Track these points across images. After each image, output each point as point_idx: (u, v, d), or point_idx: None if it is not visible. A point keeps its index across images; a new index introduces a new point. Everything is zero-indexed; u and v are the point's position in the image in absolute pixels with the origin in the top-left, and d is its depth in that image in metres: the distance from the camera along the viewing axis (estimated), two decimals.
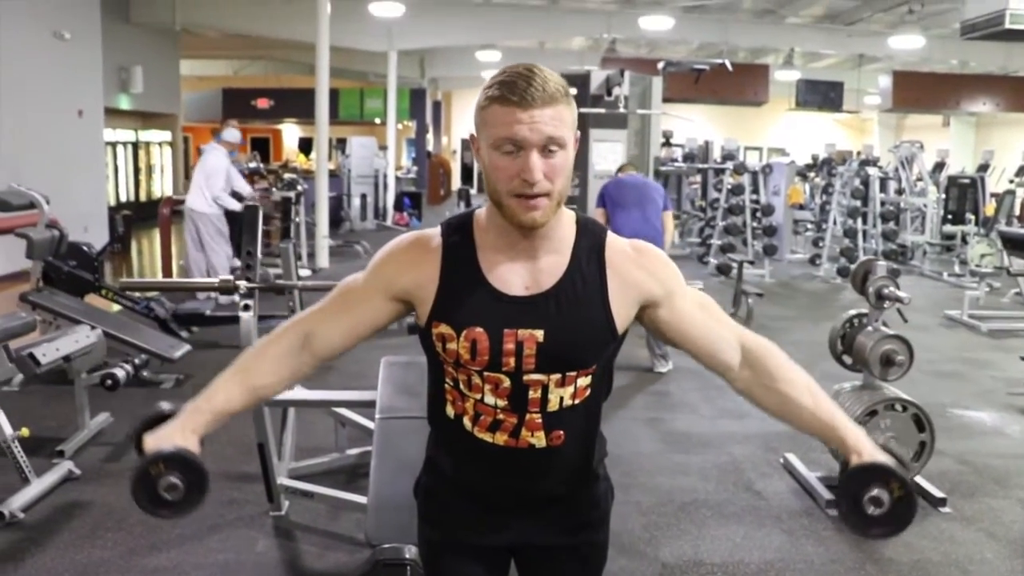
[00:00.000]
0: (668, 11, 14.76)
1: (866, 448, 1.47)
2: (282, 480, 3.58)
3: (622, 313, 1.52)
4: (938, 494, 3.99)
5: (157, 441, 1.46)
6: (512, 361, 1.47)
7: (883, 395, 3.94)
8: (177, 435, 1.47)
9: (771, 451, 4.66)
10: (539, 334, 1.46)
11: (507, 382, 1.49)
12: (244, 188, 8.57)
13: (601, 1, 15.54)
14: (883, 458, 1.45)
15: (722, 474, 4.35)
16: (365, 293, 1.55)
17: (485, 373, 1.49)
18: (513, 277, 1.49)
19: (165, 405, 1.52)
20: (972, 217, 12.02)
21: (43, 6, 10.40)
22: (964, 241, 11.75)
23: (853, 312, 4.29)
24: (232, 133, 8.41)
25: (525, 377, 1.48)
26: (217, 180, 8.09)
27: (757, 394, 1.58)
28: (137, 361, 4.68)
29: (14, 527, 3.49)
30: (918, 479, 4.04)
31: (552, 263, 1.49)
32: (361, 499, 3.31)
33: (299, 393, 3.68)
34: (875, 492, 1.41)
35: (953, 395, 5.88)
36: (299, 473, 3.94)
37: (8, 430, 3.69)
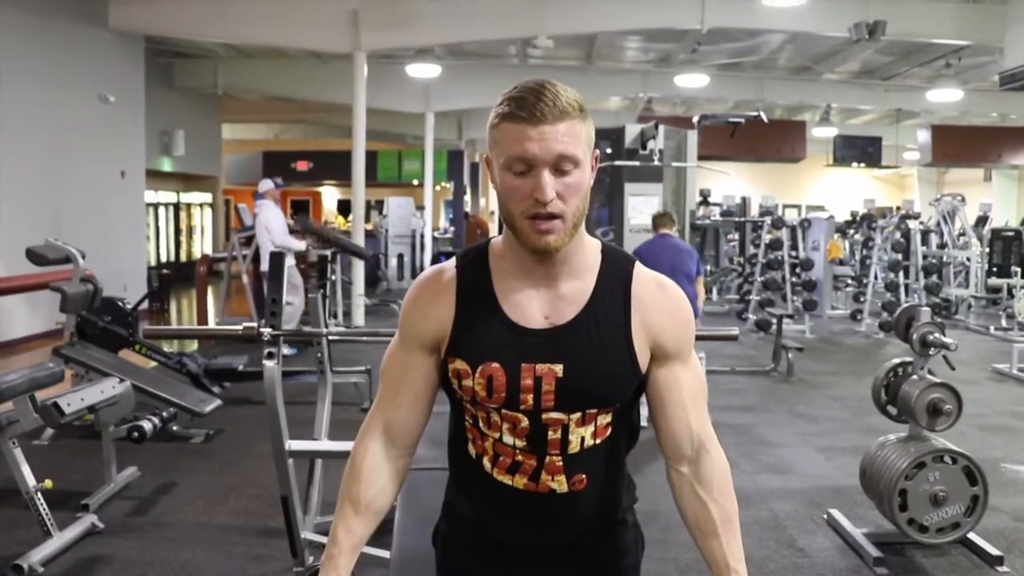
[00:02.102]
0: (703, 69, 14.79)
1: None
2: (306, 534, 3.48)
3: (644, 350, 1.43)
4: (995, 552, 3.78)
5: None
6: (530, 398, 1.39)
7: (931, 446, 3.77)
8: None
9: (814, 507, 4.47)
10: (558, 369, 1.38)
11: (525, 421, 1.40)
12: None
13: (637, 60, 15.64)
14: None
15: (763, 530, 4.18)
16: (406, 358, 1.49)
17: (503, 411, 1.41)
18: (531, 306, 1.41)
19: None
20: (1018, 270, 11.76)
21: (90, 71, 10.68)
22: (1010, 294, 11.49)
23: (897, 360, 4.14)
24: (264, 183, 8.57)
25: (544, 416, 1.40)
26: (277, 228, 8.29)
27: (684, 494, 1.48)
28: (165, 414, 4.64)
29: None
30: (972, 536, 3.84)
31: (574, 291, 1.42)
32: (386, 554, 3.20)
33: (324, 444, 3.61)
34: None
35: (1005, 449, 5.64)
36: (326, 527, 3.83)
37: (31, 481, 3.65)
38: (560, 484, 1.43)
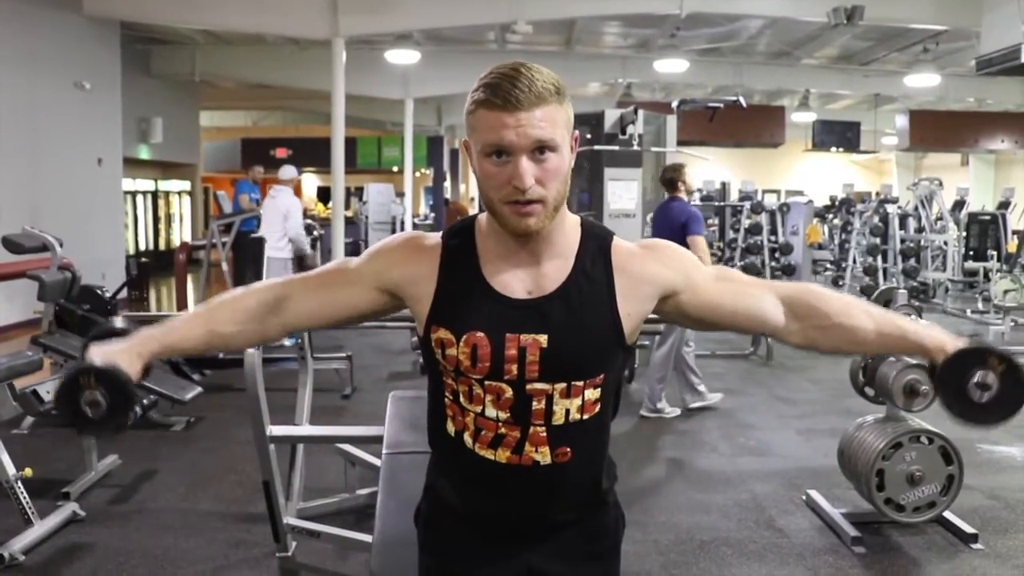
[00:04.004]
0: (682, 54, 14.78)
1: (949, 340, 1.41)
2: (288, 520, 3.49)
3: (633, 314, 1.44)
4: (969, 530, 3.84)
5: (100, 354, 1.40)
6: (514, 368, 1.40)
7: (908, 427, 3.82)
8: (122, 356, 1.42)
9: (793, 488, 4.52)
10: (543, 339, 1.39)
11: (509, 392, 1.41)
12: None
13: (616, 46, 15.63)
14: (972, 342, 1.38)
15: (743, 512, 4.22)
16: (354, 276, 1.50)
17: (486, 382, 1.41)
18: (515, 283, 1.42)
19: (119, 322, 1.47)
20: (994, 253, 11.87)
21: (65, 57, 10.55)
22: (987, 278, 11.60)
23: None
24: (288, 170, 8.46)
25: (528, 386, 1.40)
26: (296, 218, 8.17)
27: (818, 339, 1.50)
28: (146, 402, 4.62)
29: (14, 569, 3.41)
30: (947, 514, 3.89)
31: (556, 267, 1.43)
32: (368, 538, 3.21)
33: (306, 429, 3.61)
34: (978, 377, 1.34)
35: (981, 430, 5.70)
36: (308, 513, 3.85)
37: (11, 470, 3.63)
38: (544, 456, 1.43)
